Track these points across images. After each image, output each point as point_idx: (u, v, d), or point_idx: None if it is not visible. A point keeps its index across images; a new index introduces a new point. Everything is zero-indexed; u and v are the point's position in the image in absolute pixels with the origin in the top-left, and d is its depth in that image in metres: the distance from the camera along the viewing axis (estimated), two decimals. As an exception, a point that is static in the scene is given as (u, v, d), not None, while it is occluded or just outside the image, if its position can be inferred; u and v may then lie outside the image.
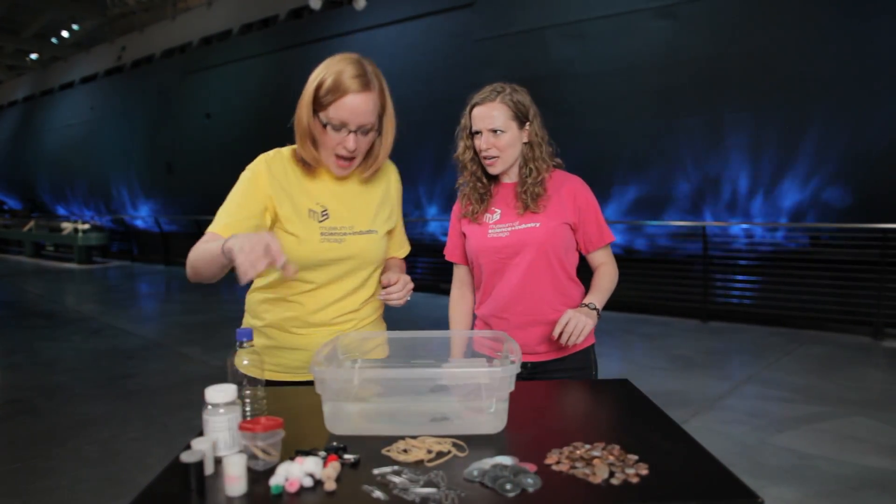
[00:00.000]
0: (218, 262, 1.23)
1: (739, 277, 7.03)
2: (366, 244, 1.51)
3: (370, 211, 1.54)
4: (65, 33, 21.12)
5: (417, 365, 1.45)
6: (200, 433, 1.09)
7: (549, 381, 1.77)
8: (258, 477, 0.99)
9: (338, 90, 1.33)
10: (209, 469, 1.01)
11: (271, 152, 1.49)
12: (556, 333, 1.55)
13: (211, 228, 1.39)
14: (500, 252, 1.69)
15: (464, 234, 1.79)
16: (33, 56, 23.24)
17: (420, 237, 9.95)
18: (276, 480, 0.95)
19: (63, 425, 3.74)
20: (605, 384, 1.51)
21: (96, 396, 4.32)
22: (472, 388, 1.26)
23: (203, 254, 1.29)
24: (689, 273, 6.87)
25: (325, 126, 1.38)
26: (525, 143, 1.70)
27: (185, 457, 0.95)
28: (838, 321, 6.07)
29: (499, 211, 1.72)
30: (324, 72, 1.36)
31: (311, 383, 1.22)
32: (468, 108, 1.69)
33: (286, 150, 1.49)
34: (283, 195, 1.44)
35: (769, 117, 6.72)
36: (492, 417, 1.19)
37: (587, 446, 1.09)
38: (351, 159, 1.43)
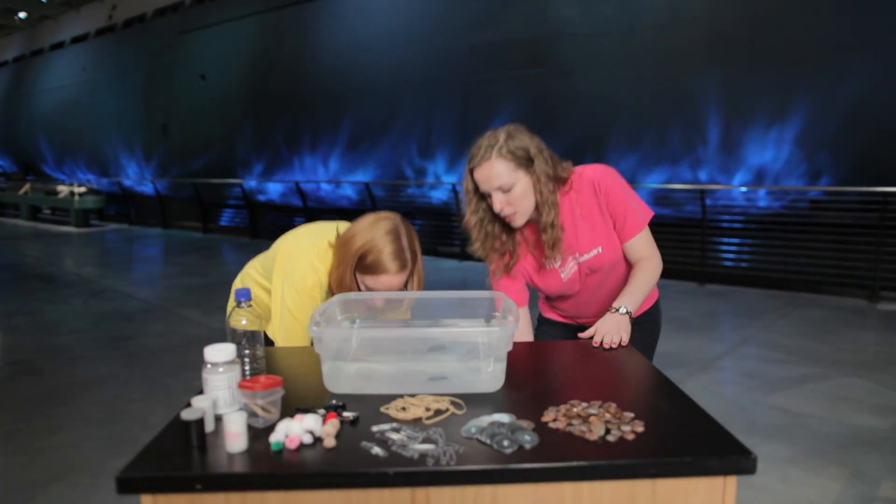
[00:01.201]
0: None
1: (737, 241, 7.03)
2: None
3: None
4: (54, -9, 20.57)
5: (415, 325, 1.45)
6: (201, 393, 1.09)
7: (546, 341, 1.79)
8: (258, 434, 1.01)
9: (378, 269, 1.51)
10: (210, 426, 1.02)
11: (321, 270, 1.58)
12: (595, 341, 1.51)
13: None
14: (578, 283, 1.69)
15: (526, 279, 1.72)
16: (21, 15, 22.71)
17: (420, 201, 9.91)
18: (276, 437, 0.97)
19: (65, 386, 3.78)
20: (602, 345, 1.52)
21: (98, 358, 4.36)
22: (470, 347, 1.27)
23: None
24: (687, 236, 6.86)
25: (359, 286, 1.55)
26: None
27: (186, 414, 0.96)
28: (835, 284, 6.11)
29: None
30: (367, 244, 1.51)
31: None
32: (467, 172, 1.56)
33: (325, 283, 1.59)
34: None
35: (769, 79, 6.61)
36: (490, 376, 1.20)
37: (584, 404, 1.11)
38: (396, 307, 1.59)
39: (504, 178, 1.49)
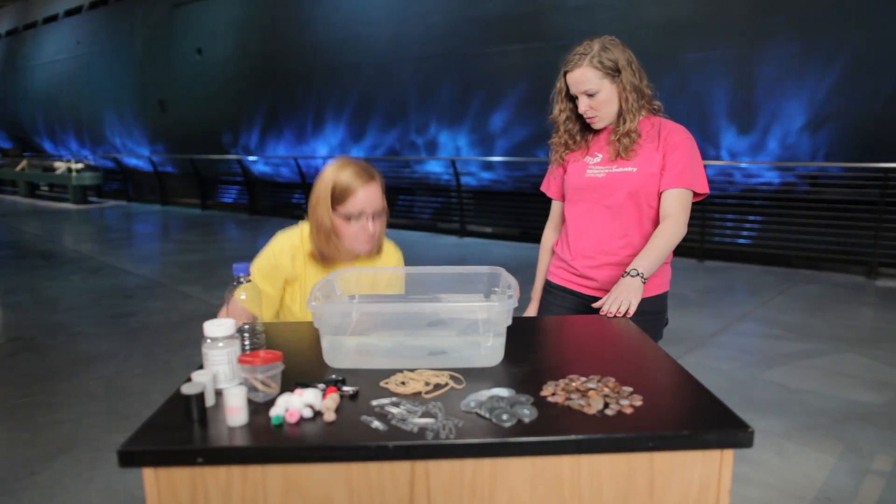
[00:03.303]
0: None
1: (736, 217, 7.02)
2: None
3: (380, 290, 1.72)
4: (46, -37, 20.21)
5: (415, 300, 1.45)
6: (201, 368, 1.10)
7: (546, 316, 1.79)
8: (259, 408, 1.01)
9: (348, 191, 1.58)
10: (210, 400, 1.02)
11: (296, 241, 1.67)
12: (602, 310, 1.55)
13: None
14: (594, 191, 1.76)
15: (564, 170, 1.87)
16: (15, -13, 22.33)
17: (419, 176, 9.86)
18: (276, 411, 0.97)
19: (67, 362, 3.81)
20: (602, 320, 1.53)
21: (98, 334, 4.38)
22: (469, 322, 1.27)
23: None
24: (689, 208, 6.83)
25: (347, 219, 1.60)
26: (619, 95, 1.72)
27: (186, 389, 0.96)
28: (834, 261, 6.11)
29: (600, 155, 1.78)
30: (332, 176, 1.60)
31: None
32: (561, 73, 1.73)
33: (306, 247, 1.67)
34: (298, 276, 1.66)
35: (770, 55, 6.54)
36: (489, 351, 1.20)
37: (583, 378, 1.11)
38: (370, 241, 1.65)
39: (591, 84, 1.67)
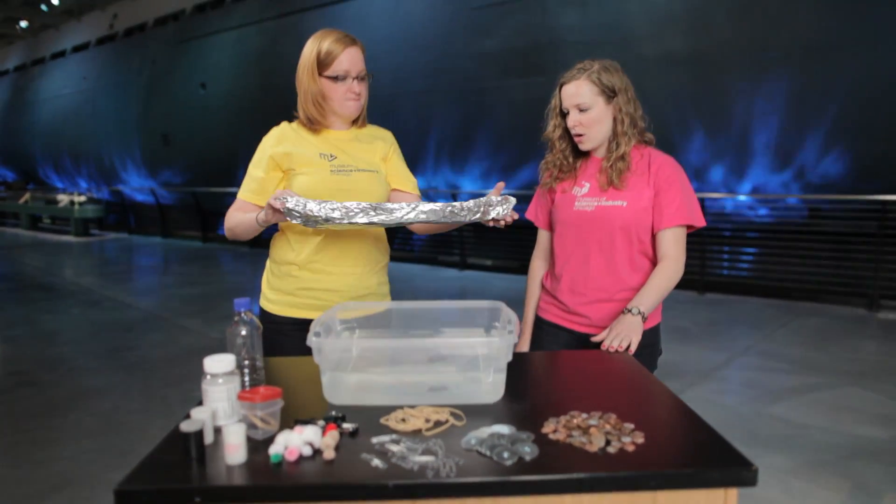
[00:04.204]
0: (254, 227, 1.63)
1: (737, 249, 7.04)
2: (370, 180, 1.73)
3: (372, 157, 1.77)
4: (55, 0, 20.69)
5: (415, 335, 1.45)
6: (200, 404, 1.09)
7: (546, 351, 1.78)
8: (258, 446, 1.00)
9: (334, 51, 1.65)
10: (209, 438, 1.01)
11: (281, 128, 1.78)
12: (604, 345, 1.54)
13: (239, 195, 1.74)
14: (583, 225, 1.73)
15: (552, 201, 1.84)
16: (23, 24, 22.81)
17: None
18: (275, 449, 0.96)
19: (64, 397, 3.77)
20: (602, 355, 1.52)
21: (97, 368, 4.35)
22: (470, 357, 1.26)
23: (241, 222, 1.67)
24: (686, 245, 6.85)
25: (334, 80, 1.67)
26: (614, 119, 1.71)
27: (185, 426, 0.96)
28: (835, 293, 6.10)
29: (588, 185, 1.75)
30: (315, 44, 1.68)
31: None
32: (557, 88, 1.73)
33: (293, 127, 1.78)
34: (291, 148, 1.71)
35: (767, 88, 6.64)
36: (489, 387, 1.20)
37: (584, 415, 1.10)
38: (357, 99, 1.72)
39: (585, 98, 1.66)
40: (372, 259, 1.77)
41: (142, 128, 14.84)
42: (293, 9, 11.11)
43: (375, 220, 1.45)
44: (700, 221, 1.70)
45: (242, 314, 1.23)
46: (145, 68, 14.59)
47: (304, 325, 1.62)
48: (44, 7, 20.52)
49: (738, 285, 6.64)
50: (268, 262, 1.82)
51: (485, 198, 1.49)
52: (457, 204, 1.47)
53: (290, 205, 1.41)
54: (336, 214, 1.42)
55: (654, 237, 1.72)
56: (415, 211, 1.45)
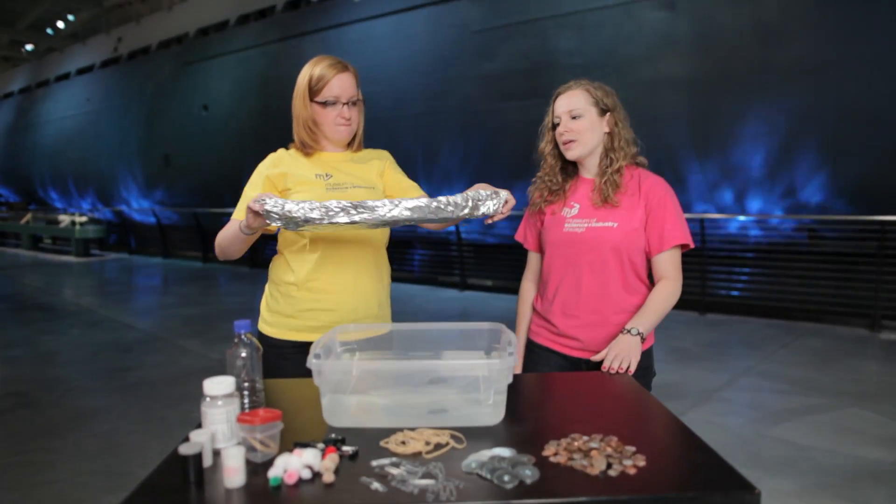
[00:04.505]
0: (239, 238, 1.60)
1: (737, 270, 7.04)
2: (367, 196, 1.71)
3: (367, 174, 1.78)
4: (60, 24, 20.98)
5: (415, 357, 1.45)
6: (199, 426, 1.09)
7: (546, 373, 1.78)
8: (257, 469, 1.00)
9: (325, 76, 1.68)
10: (208, 461, 1.01)
11: (277, 153, 1.80)
12: (603, 366, 1.54)
13: (233, 216, 1.70)
14: (574, 247, 1.71)
15: (541, 223, 1.83)
16: (29, 47, 23.10)
17: (421, 230, 9.93)
18: (274, 472, 0.96)
19: (62, 418, 3.75)
20: (602, 377, 1.52)
21: (95, 389, 4.33)
22: (470, 380, 1.26)
23: (227, 235, 1.64)
24: (686, 265, 6.84)
25: (324, 106, 1.69)
26: (606, 133, 1.71)
27: (184, 449, 0.95)
28: (835, 313, 6.09)
29: (577, 206, 1.73)
30: (308, 70, 1.71)
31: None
32: (552, 101, 1.74)
33: (289, 152, 1.80)
34: (286, 169, 1.72)
35: (766, 109, 6.70)
36: (490, 409, 1.19)
37: (585, 438, 1.10)
38: (348, 124, 1.73)
39: (578, 104, 1.67)
40: (373, 278, 1.75)
41: (144, 148, 14.95)
42: (294, 33, 11.27)
43: (357, 218, 1.38)
44: (692, 241, 1.71)
45: (242, 336, 1.23)
46: (148, 90, 14.74)
47: (304, 347, 1.62)
48: (49, 31, 20.78)
49: (738, 305, 6.63)
50: (267, 286, 1.80)
51: (472, 191, 1.43)
52: (443, 199, 1.39)
53: (268, 206, 1.38)
54: (315, 215, 1.37)
55: (648, 258, 1.71)
56: (398, 207, 1.39)
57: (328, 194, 1.68)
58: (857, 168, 6.41)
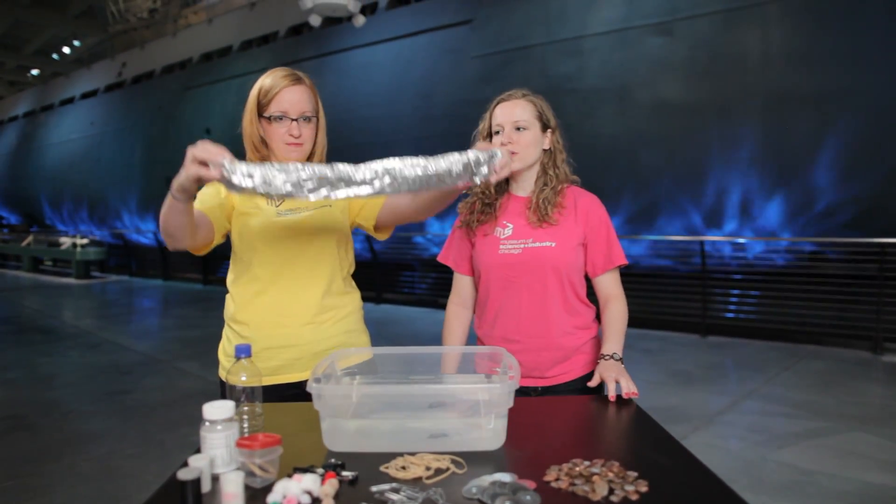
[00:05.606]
0: (175, 207, 1.32)
1: (738, 292, 7.03)
2: (323, 216, 1.58)
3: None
4: (66, 49, 21.27)
5: (416, 381, 1.44)
6: (198, 450, 1.08)
7: (549, 397, 1.77)
8: (256, 494, 0.99)
9: (274, 88, 1.51)
10: (206, 486, 1.00)
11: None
12: (611, 395, 1.47)
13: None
14: (511, 270, 1.63)
15: (472, 245, 1.73)
16: (34, 72, 23.38)
17: (419, 252, 9.95)
18: (273, 498, 0.95)
19: (59, 441, 3.71)
20: (604, 400, 1.51)
21: (93, 412, 4.30)
22: (470, 404, 1.25)
23: (163, 210, 1.36)
24: (687, 288, 6.87)
25: (269, 121, 1.52)
26: (545, 150, 1.67)
27: (182, 474, 0.95)
28: (837, 336, 6.07)
29: (511, 225, 1.66)
30: (258, 83, 1.55)
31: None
32: (491, 107, 1.67)
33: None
34: (244, 201, 1.55)
35: (765, 132, 6.76)
36: (490, 434, 1.19)
37: (586, 463, 1.09)
38: (299, 144, 1.54)
39: (524, 116, 1.61)
40: (326, 304, 1.58)
41: (146, 172, 15.05)
42: (296, 58, 11.41)
43: (332, 195, 1.22)
44: (622, 259, 1.68)
45: (242, 360, 1.23)
46: (151, 114, 14.89)
47: (268, 391, 1.46)
48: (55, 56, 21.05)
49: (740, 328, 6.61)
50: (224, 329, 1.66)
51: (471, 152, 1.29)
52: (434, 159, 1.28)
53: (224, 160, 1.16)
54: (278, 181, 1.17)
55: (587, 277, 1.69)
56: (387, 176, 1.29)
57: (279, 219, 1.54)
58: (858, 191, 6.44)
